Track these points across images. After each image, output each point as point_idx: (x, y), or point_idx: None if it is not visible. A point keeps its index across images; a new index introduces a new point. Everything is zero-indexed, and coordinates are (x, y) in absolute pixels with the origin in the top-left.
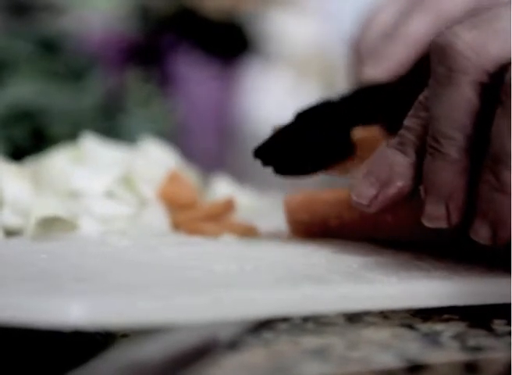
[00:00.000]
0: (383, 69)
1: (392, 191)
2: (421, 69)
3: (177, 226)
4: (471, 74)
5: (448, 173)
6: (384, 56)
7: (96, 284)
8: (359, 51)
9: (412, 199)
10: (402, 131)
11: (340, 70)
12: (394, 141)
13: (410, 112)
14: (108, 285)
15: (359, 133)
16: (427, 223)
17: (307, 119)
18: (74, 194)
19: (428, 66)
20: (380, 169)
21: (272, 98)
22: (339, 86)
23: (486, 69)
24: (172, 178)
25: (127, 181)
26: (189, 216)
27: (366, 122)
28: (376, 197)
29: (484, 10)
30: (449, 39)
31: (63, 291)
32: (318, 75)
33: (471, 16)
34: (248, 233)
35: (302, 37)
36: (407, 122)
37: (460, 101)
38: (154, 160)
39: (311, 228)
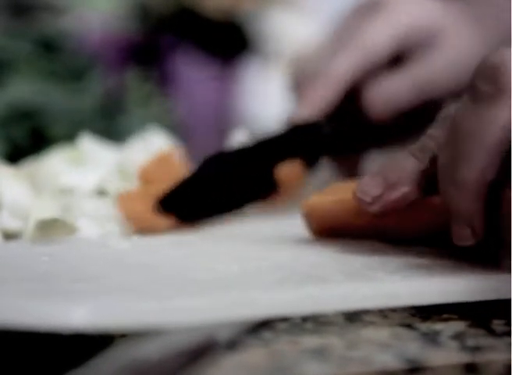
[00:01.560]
0: (308, 108)
1: (396, 194)
2: (347, 106)
3: None
4: None
5: (464, 200)
6: (309, 95)
7: (97, 287)
8: (294, 92)
9: (415, 204)
10: (424, 138)
11: None
12: (414, 146)
13: (437, 122)
14: (109, 287)
15: (281, 170)
16: (457, 243)
17: (212, 165)
18: (72, 196)
19: (353, 103)
20: (389, 172)
21: (271, 97)
22: None
23: None
24: (160, 160)
25: (122, 174)
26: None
27: (286, 158)
28: (380, 197)
29: None
30: (503, 59)
31: (64, 293)
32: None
33: None
34: None
35: (301, 37)
36: (430, 130)
37: (498, 122)
38: (154, 152)
39: (330, 229)
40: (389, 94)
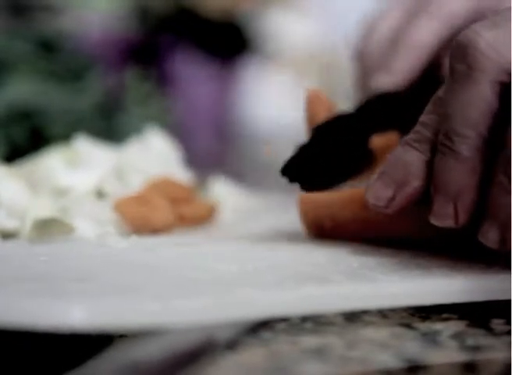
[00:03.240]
0: (392, 78)
1: (409, 190)
2: (429, 75)
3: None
4: (490, 73)
5: (457, 171)
6: (392, 65)
7: (95, 286)
8: (365, 60)
9: (426, 198)
10: (418, 127)
11: (339, 70)
12: (409, 137)
13: (427, 108)
14: (108, 287)
15: (377, 140)
16: (434, 222)
17: (324, 133)
18: (69, 196)
19: (436, 72)
20: (395, 170)
21: (271, 97)
22: (338, 86)
23: (506, 68)
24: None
25: (120, 174)
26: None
27: (383, 129)
28: (393, 198)
29: (504, 10)
30: (471, 37)
31: (62, 293)
32: (317, 75)
33: (492, 14)
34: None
35: (301, 37)
36: (423, 118)
37: (477, 99)
38: (153, 152)
39: (323, 227)
40: None
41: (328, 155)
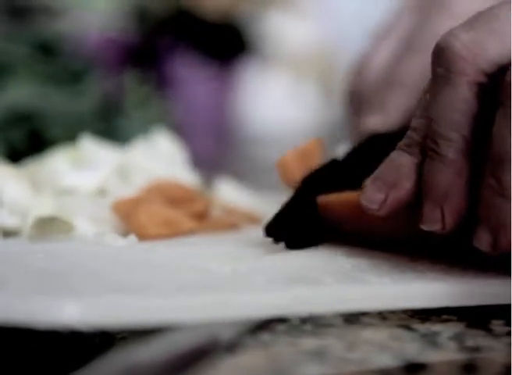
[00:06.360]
0: (386, 118)
1: (400, 192)
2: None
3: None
4: (467, 75)
5: (444, 174)
6: (384, 105)
7: (92, 284)
8: (357, 101)
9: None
10: (409, 132)
11: (338, 71)
12: (402, 142)
13: (416, 113)
14: (104, 285)
15: None
16: (422, 226)
17: (312, 184)
18: (71, 196)
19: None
20: (387, 173)
21: (271, 99)
22: (337, 87)
23: (483, 69)
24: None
25: (123, 175)
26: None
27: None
28: (385, 200)
29: (482, 11)
30: (448, 40)
31: (59, 290)
32: (316, 76)
33: (470, 17)
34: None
35: (300, 39)
36: (413, 123)
37: (456, 101)
38: (159, 153)
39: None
40: None
41: (316, 208)
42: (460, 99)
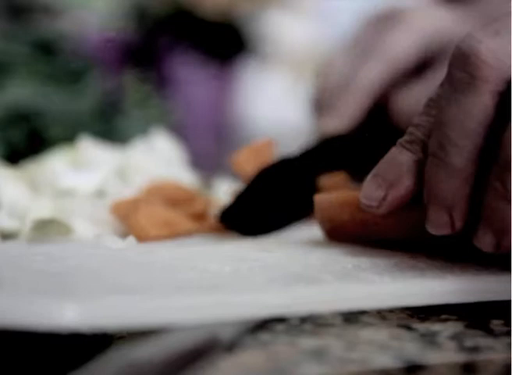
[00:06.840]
0: (339, 121)
1: (400, 190)
2: (377, 116)
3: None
4: (492, 83)
5: (452, 183)
6: (338, 109)
7: (91, 286)
8: (318, 104)
9: (420, 199)
10: (411, 129)
11: None
12: (402, 139)
13: (421, 110)
14: (103, 286)
15: (326, 181)
16: (431, 230)
17: (265, 177)
18: (70, 197)
19: (382, 113)
20: (387, 170)
21: (269, 98)
22: None
23: (506, 78)
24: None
25: (122, 176)
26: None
27: (328, 171)
28: (385, 198)
29: (504, 16)
30: (472, 45)
31: (59, 292)
32: (314, 75)
33: (493, 21)
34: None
35: (298, 38)
36: (416, 119)
37: (476, 110)
38: (158, 153)
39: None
40: (415, 102)
41: (267, 199)
42: (481, 108)
